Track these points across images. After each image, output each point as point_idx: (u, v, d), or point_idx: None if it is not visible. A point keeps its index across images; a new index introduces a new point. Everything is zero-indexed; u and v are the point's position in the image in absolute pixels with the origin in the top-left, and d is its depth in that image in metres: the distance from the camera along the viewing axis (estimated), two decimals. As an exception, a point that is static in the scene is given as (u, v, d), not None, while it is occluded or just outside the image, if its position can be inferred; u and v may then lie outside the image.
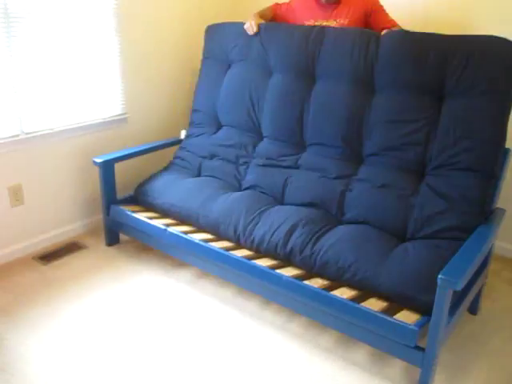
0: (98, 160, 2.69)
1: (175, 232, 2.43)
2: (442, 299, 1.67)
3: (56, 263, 2.68)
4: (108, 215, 2.78)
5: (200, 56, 3.28)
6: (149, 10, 3.06)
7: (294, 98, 2.58)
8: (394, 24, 2.56)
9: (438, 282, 1.66)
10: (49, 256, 2.75)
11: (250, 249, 2.31)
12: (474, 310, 2.34)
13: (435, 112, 2.19)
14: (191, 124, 3.03)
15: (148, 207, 2.72)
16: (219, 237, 2.43)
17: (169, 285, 2.51)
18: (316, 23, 2.64)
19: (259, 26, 2.72)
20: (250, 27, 2.73)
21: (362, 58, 2.36)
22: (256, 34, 2.73)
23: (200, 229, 2.51)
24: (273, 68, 2.71)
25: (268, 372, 1.94)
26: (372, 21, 2.61)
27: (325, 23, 2.63)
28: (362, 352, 2.07)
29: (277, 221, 2.26)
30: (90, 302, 2.36)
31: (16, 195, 2.65)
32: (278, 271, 2.10)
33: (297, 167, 2.54)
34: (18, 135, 2.57)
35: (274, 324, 2.23)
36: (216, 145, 2.82)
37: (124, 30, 2.93)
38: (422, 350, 1.77)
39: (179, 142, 3.05)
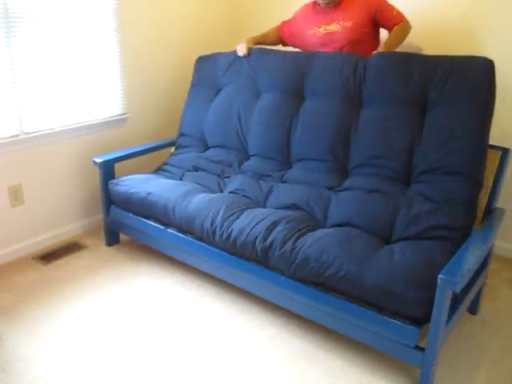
0: (98, 160, 2.69)
1: (175, 232, 2.43)
2: (442, 299, 1.67)
3: (56, 263, 2.68)
4: (108, 215, 2.78)
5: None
6: (149, 10, 3.06)
7: (282, 115, 2.60)
8: (400, 20, 2.55)
9: (438, 282, 1.66)
10: (49, 256, 2.75)
11: (224, 244, 2.21)
12: (473, 310, 2.34)
13: (419, 122, 2.25)
14: (178, 147, 3.01)
15: (120, 198, 2.63)
16: (192, 233, 2.37)
17: (169, 285, 2.51)
18: (320, 29, 2.64)
19: (249, 50, 2.79)
20: (241, 49, 2.79)
21: (351, 76, 2.43)
22: (245, 56, 2.79)
23: (170, 224, 2.45)
24: (261, 88, 2.75)
25: (268, 372, 1.95)
26: (378, 19, 2.59)
27: (328, 28, 2.62)
28: (362, 352, 2.07)
29: (258, 217, 2.19)
30: (89, 301, 2.36)
31: (16, 195, 2.65)
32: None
33: (283, 181, 2.53)
34: (17, 135, 2.57)
35: (274, 324, 2.23)
36: (202, 158, 2.81)
37: (124, 30, 2.93)
38: (422, 349, 1.77)
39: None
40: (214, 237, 2.25)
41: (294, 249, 2.02)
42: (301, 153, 2.54)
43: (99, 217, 3.04)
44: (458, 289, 1.65)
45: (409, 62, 2.30)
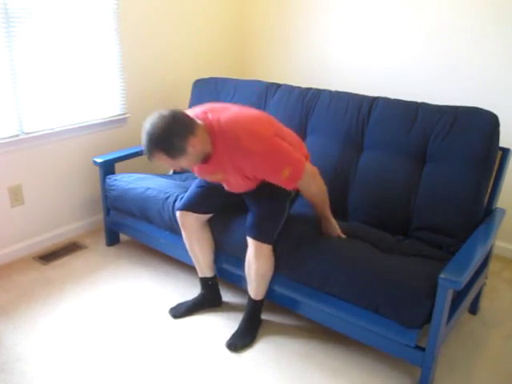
0: (98, 160, 2.69)
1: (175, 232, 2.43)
2: (443, 299, 1.67)
3: (56, 263, 2.68)
4: (108, 215, 2.78)
5: (201, 55, 3.30)
6: (149, 10, 3.06)
7: None
8: (291, 185, 1.96)
9: (439, 281, 1.66)
10: (49, 256, 2.75)
11: None
12: (473, 309, 2.34)
13: (418, 174, 2.19)
14: (177, 172, 2.96)
15: (116, 195, 2.61)
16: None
17: (168, 285, 2.51)
18: (207, 175, 2.09)
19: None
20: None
21: (355, 118, 2.37)
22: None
23: (163, 222, 2.39)
24: None
25: (268, 372, 1.95)
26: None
27: (215, 176, 2.05)
28: (362, 352, 2.07)
29: None
30: (89, 301, 2.36)
31: (16, 195, 2.65)
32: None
33: None
34: (17, 135, 2.57)
35: (273, 324, 2.23)
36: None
37: (124, 30, 2.93)
38: (422, 349, 1.77)
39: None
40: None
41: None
42: (299, 192, 2.46)
43: (99, 217, 3.03)
44: (459, 288, 1.65)
45: (415, 109, 2.25)
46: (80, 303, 2.34)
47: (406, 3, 2.90)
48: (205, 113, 1.92)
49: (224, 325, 2.21)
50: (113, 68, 2.94)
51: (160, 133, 1.75)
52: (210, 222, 2.23)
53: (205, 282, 2.30)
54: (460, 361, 2.04)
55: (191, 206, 2.19)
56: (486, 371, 1.99)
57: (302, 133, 2.54)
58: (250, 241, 2.01)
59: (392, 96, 2.40)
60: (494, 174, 2.14)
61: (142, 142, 1.80)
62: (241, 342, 2.08)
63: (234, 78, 2.93)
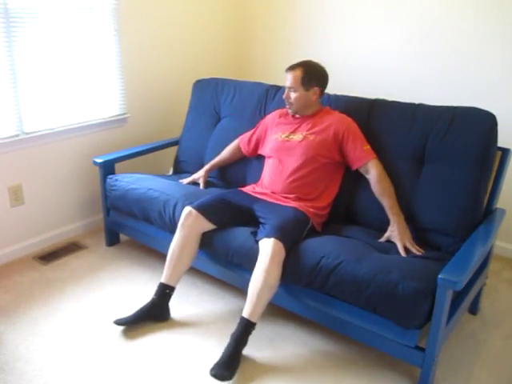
0: (98, 160, 2.69)
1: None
2: (442, 299, 1.67)
3: (56, 263, 2.68)
4: (108, 215, 2.78)
5: (201, 56, 3.30)
6: (149, 10, 3.06)
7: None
8: (370, 157, 2.21)
9: (438, 282, 1.66)
10: (49, 256, 2.75)
11: None
12: (474, 309, 2.34)
13: (417, 174, 2.19)
14: (176, 172, 2.98)
15: (117, 195, 2.60)
16: None
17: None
18: (283, 135, 2.38)
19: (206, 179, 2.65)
20: (201, 183, 2.59)
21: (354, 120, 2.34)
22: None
23: (164, 224, 2.40)
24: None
25: (268, 373, 1.95)
26: (344, 147, 2.26)
27: (291, 136, 2.36)
28: (362, 352, 2.07)
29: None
30: (89, 302, 2.36)
31: (16, 195, 2.65)
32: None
33: None
34: (17, 135, 2.57)
35: (273, 324, 2.23)
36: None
37: (124, 30, 2.93)
38: (422, 350, 1.77)
39: (178, 142, 3.04)
40: None
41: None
42: None
43: (99, 217, 3.03)
44: (458, 288, 1.65)
45: (413, 110, 2.26)
46: (80, 303, 2.34)
47: (405, 4, 2.90)
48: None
49: (225, 323, 2.21)
50: (113, 68, 2.94)
51: (314, 65, 2.33)
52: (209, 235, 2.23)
53: (163, 289, 2.20)
54: (460, 361, 2.04)
55: (205, 210, 2.20)
56: (486, 371, 1.99)
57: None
58: (270, 242, 1.96)
59: (391, 97, 2.40)
60: (494, 174, 2.14)
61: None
62: (228, 371, 1.87)
63: (234, 79, 2.94)
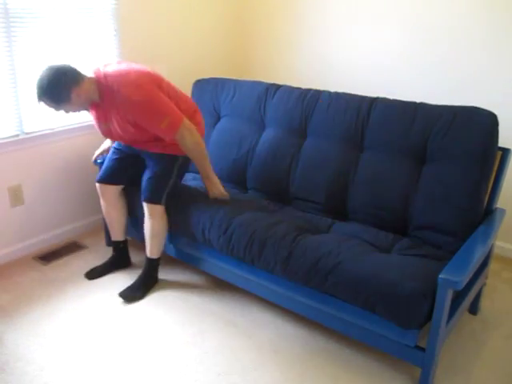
0: (99, 160, 2.69)
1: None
2: (443, 299, 1.67)
3: (56, 263, 2.68)
4: (108, 215, 2.78)
5: (201, 55, 3.29)
6: (149, 10, 3.06)
7: (284, 151, 2.53)
8: (172, 132, 2.13)
9: (439, 281, 1.66)
10: (49, 256, 2.75)
11: (218, 240, 2.20)
12: (474, 309, 2.34)
13: (417, 173, 2.19)
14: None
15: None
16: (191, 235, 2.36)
17: (168, 285, 2.51)
18: (101, 124, 2.28)
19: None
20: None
21: (354, 118, 2.36)
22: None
23: None
24: (266, 124, 2.67)
25: (268, 373, 1.95)
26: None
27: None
28: (362, 352, 2.07)
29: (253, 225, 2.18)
30: (89, 301, 2.36)
31: (16, 195, 2.65)
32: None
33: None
34: (17, 135, 2.57)
35: (274, 323, 2.23)
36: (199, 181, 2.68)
37: (124, 30, 2.93)
38: (422, 349, 1.78)
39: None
40: (210, 239, 2.24)
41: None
42: (300, 192, 2.47)
43: (99, 217, 3.03)
44: (459, 288, 1.65)
45: (414, 109, 2.24)
46: (80, 303, 2.34)
47: (405, 3, 2.90)
48: (98, 68, 2.19)
49: (225, 323, 2.21)
50: (113, 68, 2.94)
51: (46, 83, 2.03)
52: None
53: (117, 244, 2.60)
54: (460, 361, 2.04)
55: (109, 179, 2.44)
56: (486, 371, 1.99)
57: (302, 134, 2.54)
58: (144, 204, 2.31)
59: (392, 95, 2.40)
60: (494, 174, 2.14)
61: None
62: (132, 294, 2.35)
63: (234, 78, 2.93)
